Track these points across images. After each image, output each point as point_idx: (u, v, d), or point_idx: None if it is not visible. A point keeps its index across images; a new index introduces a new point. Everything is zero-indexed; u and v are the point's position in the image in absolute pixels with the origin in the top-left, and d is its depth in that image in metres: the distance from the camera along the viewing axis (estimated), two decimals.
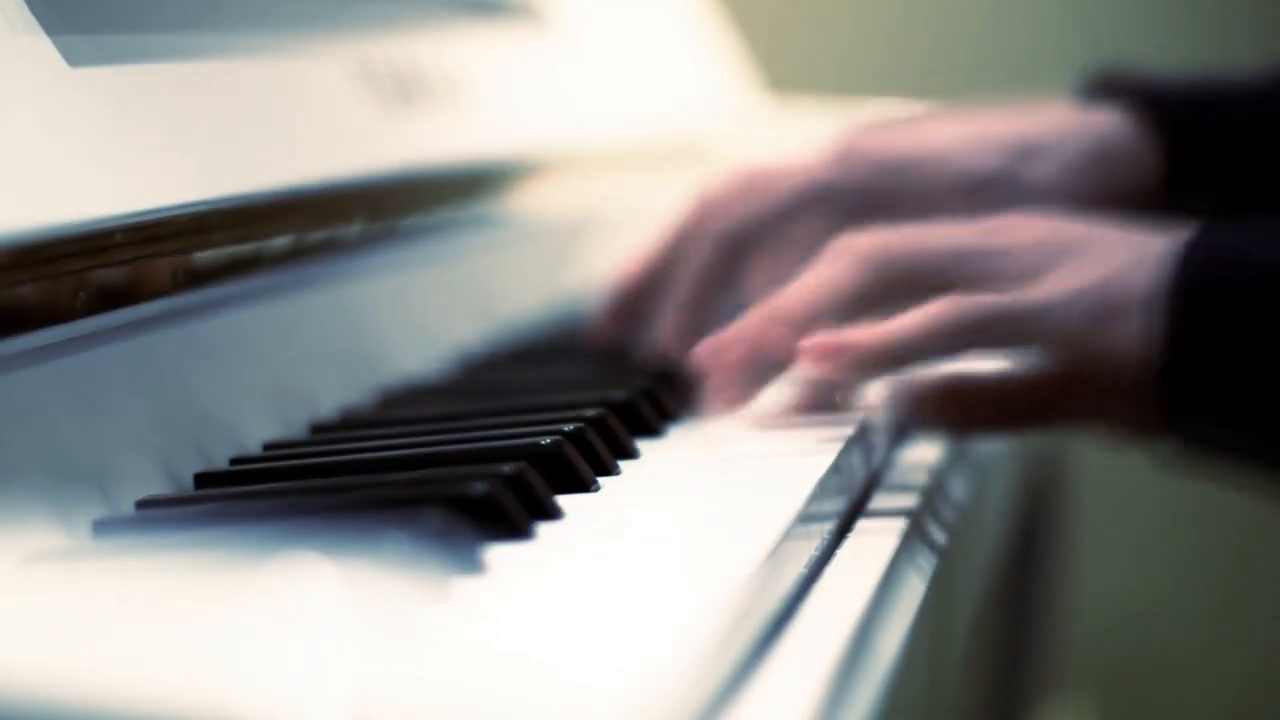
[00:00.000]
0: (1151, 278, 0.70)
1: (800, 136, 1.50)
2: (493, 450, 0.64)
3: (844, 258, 0.72)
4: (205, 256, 0.69)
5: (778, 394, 0.74)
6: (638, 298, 0.83)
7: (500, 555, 0.53)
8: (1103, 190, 0.83)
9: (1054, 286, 0.70)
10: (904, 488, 0.70)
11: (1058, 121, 0.85)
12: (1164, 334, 0.70)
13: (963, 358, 0.71)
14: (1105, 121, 0.85)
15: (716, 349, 0.72)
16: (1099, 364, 0.71)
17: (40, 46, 0.64)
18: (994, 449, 0.88)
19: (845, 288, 0.71)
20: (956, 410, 0.75)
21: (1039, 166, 0.83)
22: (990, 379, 0.76)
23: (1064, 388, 0.74)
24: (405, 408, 0.77)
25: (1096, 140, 0.84)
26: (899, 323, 0.70)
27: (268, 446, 0.70)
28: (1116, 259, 0.71)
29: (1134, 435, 0.76)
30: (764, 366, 0.72)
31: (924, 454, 0.75)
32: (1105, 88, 0.87)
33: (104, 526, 0.58)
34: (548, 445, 0.62)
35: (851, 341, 0.69)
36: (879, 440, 0.73)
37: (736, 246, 0.81)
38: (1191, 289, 0.69)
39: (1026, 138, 0.84)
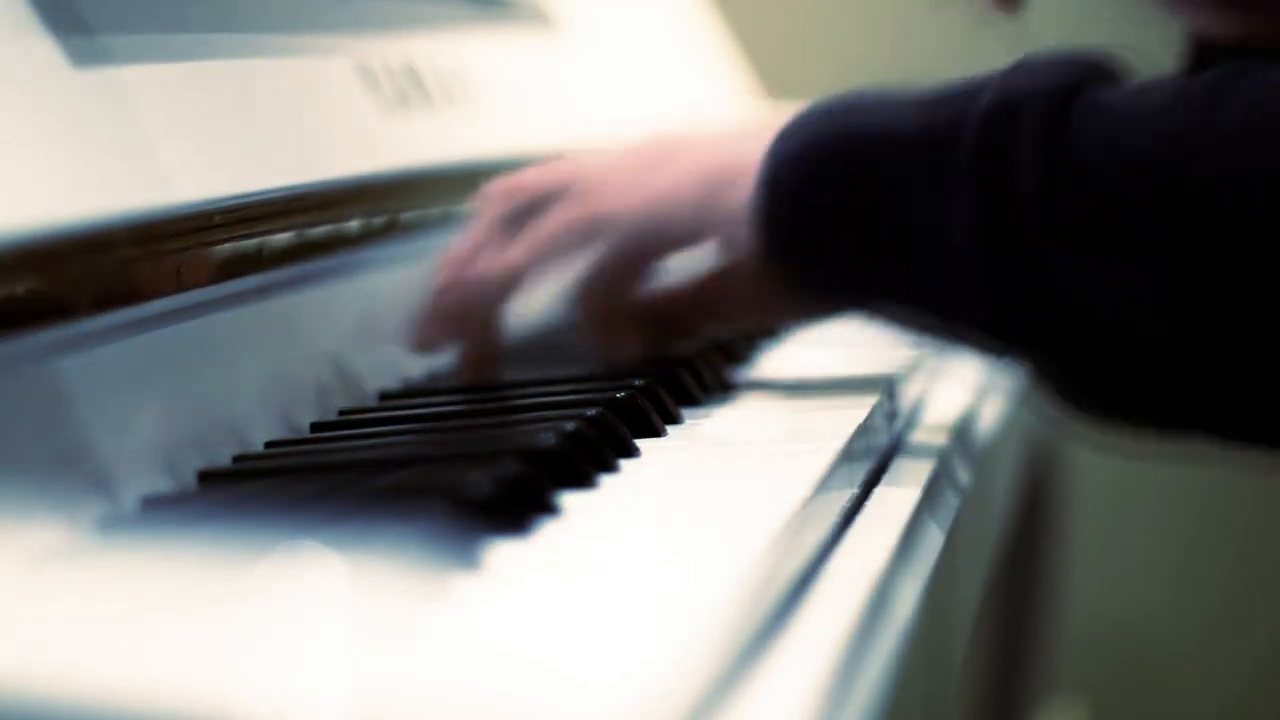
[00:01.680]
0: (754, 149, 0.73)
1: None
2: (493, 448, 0.64)
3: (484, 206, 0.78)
4: (209, 254, 0.69)
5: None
6: None
7: (502, 552, 0.53)
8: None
9: (631, 194, 0.75)
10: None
11: None
12: (757, 202, 0.73)
13: (571, 264, 0.76)
14: None
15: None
16: (718, 240, 0.75)
17: (44, 47, 0.64)
18: (989, 450, 0.89)
19: (483, 228, 0.77)
20: (639, 326, 0.80)
21: None
22: (666, 290, 0.80)
23: (724, 283, 0.79)
24: (406, 406, 0.78)
25: None
26: (508, 249, 0.75)
27: (270, 445, 0.70)
28: (726, 145, 0.74)
29: (792, 319, 0.82)
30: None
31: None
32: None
33: (109, 524, 0.58)
34: (548, 443, 0.62)
35: (470, 273, 0.76)
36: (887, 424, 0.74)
37: None
38: (775, 155, 0.73)
39: None
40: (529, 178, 0.78)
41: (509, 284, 0.77)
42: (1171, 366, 0.68)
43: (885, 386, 0.76)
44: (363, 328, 0.81)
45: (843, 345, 0.88)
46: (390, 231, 0.85)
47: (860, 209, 0.71)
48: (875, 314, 0.74)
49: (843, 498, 0.65)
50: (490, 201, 0.79)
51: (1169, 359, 0.68)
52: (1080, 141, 0.68)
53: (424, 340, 0.79)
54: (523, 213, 0.77)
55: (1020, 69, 0.71)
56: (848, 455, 0.66)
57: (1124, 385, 0.70)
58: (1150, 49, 0.79)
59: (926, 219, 0.70)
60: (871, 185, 0.71)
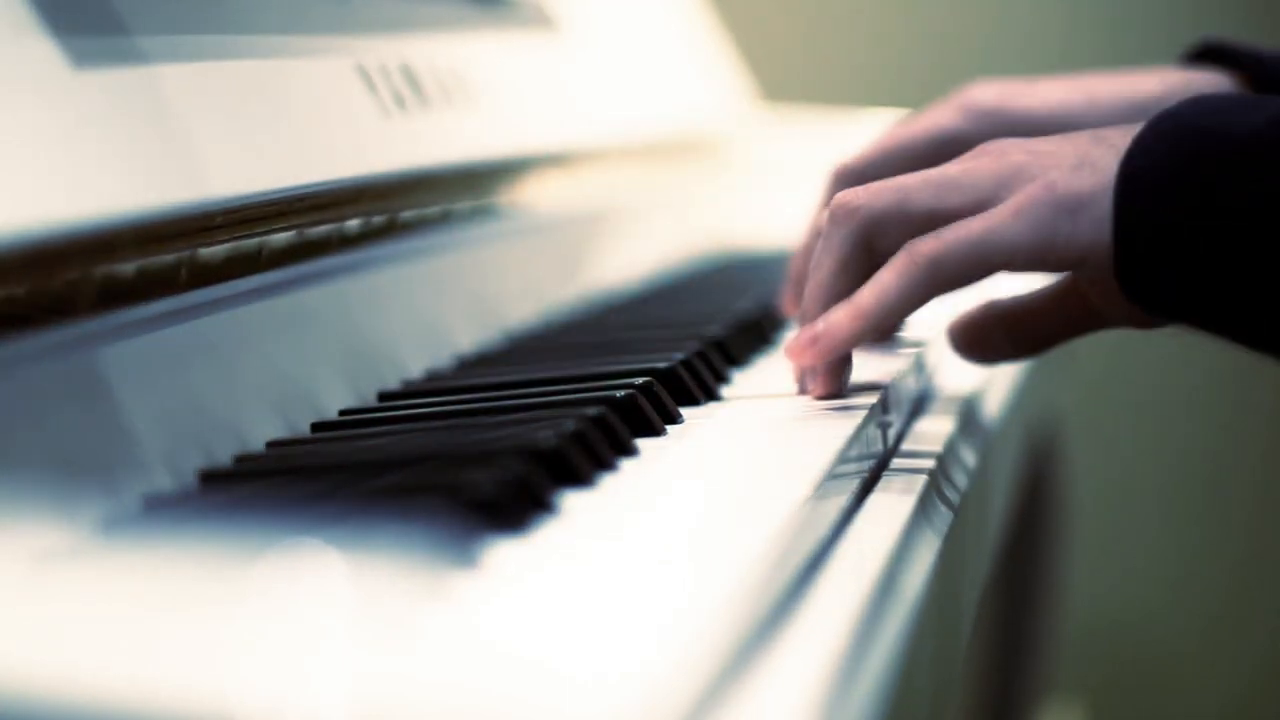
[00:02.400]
0: (1098, 176, 0.72)
1: (798, 140, 1.50)
2: (493, 448, 0.64)
3: (824, 237, 0.75)
4: (208, 255, 0.69)
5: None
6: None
7: (502, 551, 0.54)
8: None
9: (999, 211, 0.73)
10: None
11: (1164, 82, 0.88)
12: (1112, 225, 0.72)
13: (931, 300, 0.74)
14: (1207, 82, 0.87)
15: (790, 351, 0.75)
16: (1068, 266, 0.74)
17: (43, 47, 0.64)
18: (990, 449, 0.89)
19: (834, 264, 0.74)
20: (988, 340, 0.81)
21: None
22: (1007, 304, 0.81)
23: (1064, 298, 0.80)
24: (406, 406, 0.78)
25: None
26: (859, 299, 0.73)
27: (271, 445, 0.70)
28: (1064, 165, 0.73)
29: (1139, 325, 0.80)
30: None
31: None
32: (1205, 55, 0.89)
33: (111, 524, 0.58)
34: (548, 442, 0.62)
35: (820, 330, 0.73)
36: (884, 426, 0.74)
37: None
38: (1130, 178, 0.72)
39: (1137, 97, 0.87)
40: (854, 202, 0.75)
41: (872, 332, 0.74)
42: None
43: (886, 387, 0.76)
44: (363, 327, 0.81)
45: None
46: (390, 231, 0.85)
47: (1224, 222, 0.71)
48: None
49: (842, 500, 0.65)
50: (825, 240, 0.75)
51: None
52: None
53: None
54: (869, 240, 0.75)
55: None
56: (847, 456, 0.66)
57: None
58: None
59: None
60: (1235, 188, 0.71)
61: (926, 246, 0.72)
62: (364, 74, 0.86)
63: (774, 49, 1.92)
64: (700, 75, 1.50)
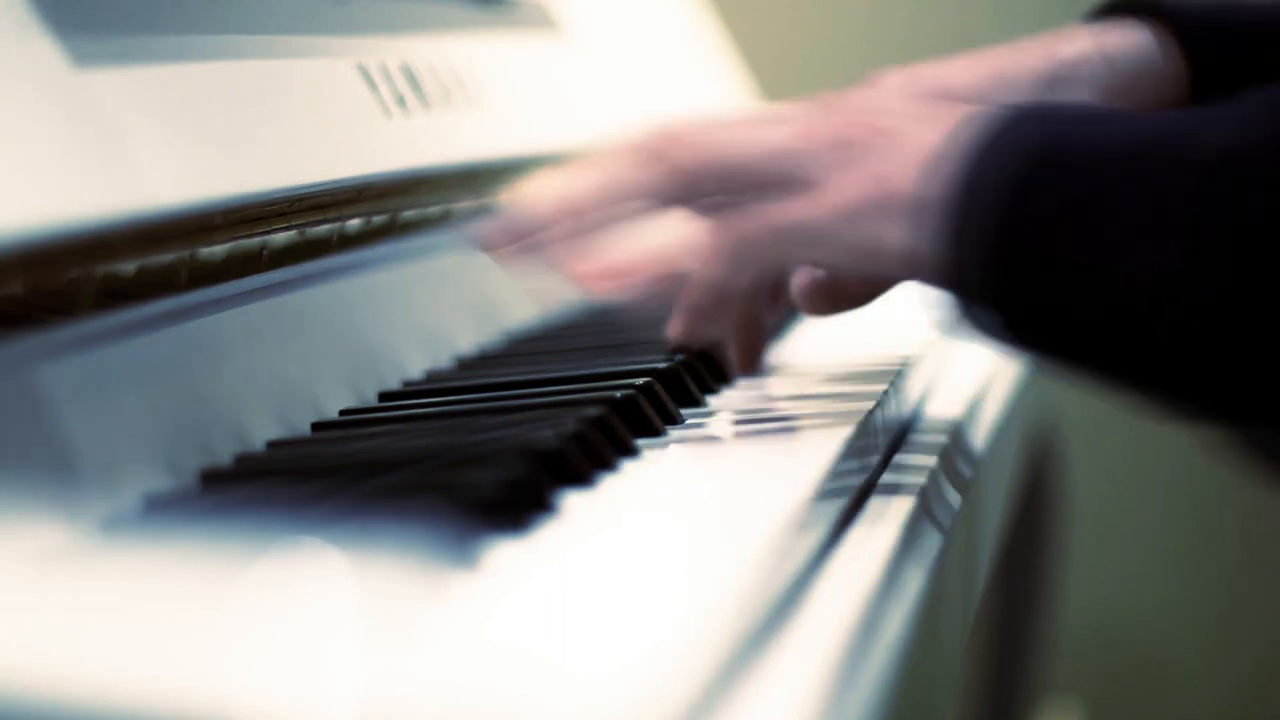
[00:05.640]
0: (922, 182, 0.67)
1: None
2: (493, 448, 0.64)
3: (645, 157, 0.71)
4: (209, 254, 0.69)
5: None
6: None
7: (502, 551, 0.54)
8: (1134, 109, 0.81)
9: (827, 198, 0.69)
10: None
11: (1078, 49, 0.83)
12: (931, 239, 0.67)
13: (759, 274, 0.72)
14: (1126, 40, 0.83)
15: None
16: (886, 267, 0.69)
17: (44, 47, 0.64)
18: (985, 455, 0.89)
19: (640, 188, 0.71)
20: (828, 297, 0.78)
21: (1066, 97, 0.82)
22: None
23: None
24: (406, 406, 0.78)
25: (1122, 62, 0.82)
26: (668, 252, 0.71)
27: (271, 444, 0.70)
28: (895, 159, 0.69)
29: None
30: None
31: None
32: (1120, 8, 0.85)
33: (111, 524, 0.58)
34: (548, 442, 0.63)
35: (624, 266, 0.72)
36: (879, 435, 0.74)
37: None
38: (967, 214, 0.66)
39: (1050, 70, 0.82)
40: (700, 152, 0.71)
41: (714, 298, 0.72)
42: None
43: (886, 387, 0.77)
44: (363, 327, 0.81)
45: (845, 344, 0.89)
46: (391, 231, 0.85)
47: (1072, 266, 0.66)
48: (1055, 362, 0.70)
49: (840, 501, 0.65)
50: (650, 165, 0.71)
51: None
52: None
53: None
54: (696, 191, 0.71)
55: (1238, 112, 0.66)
56: (846, 457, 0.66)
57: None
58: None
59: (1154, 286, 0.64)
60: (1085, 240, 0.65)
61: (752, 229, 0.70)
62: (365, 74, 0.86)
63: (774, 48, 1.92)
64: (701, 74, 1.50)
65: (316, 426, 0.73)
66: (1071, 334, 0.66)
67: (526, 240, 0.71)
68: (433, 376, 0.84)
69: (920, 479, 0.72)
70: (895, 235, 0.68)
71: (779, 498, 0.59)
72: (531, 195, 0.71)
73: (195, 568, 0.48)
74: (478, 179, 0.97)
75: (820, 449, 0.66)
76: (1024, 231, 0.66)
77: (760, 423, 0.74)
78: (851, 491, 0.68)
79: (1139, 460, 2.04)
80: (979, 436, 0.87)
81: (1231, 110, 0.66)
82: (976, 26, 2.02)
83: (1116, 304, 0.64)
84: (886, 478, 0.72)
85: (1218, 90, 0.81)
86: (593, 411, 0.68)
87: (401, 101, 0.89)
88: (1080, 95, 0.82)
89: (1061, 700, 1.92)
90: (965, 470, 0.79)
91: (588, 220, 0.71)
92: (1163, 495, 2.02)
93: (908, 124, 0.69)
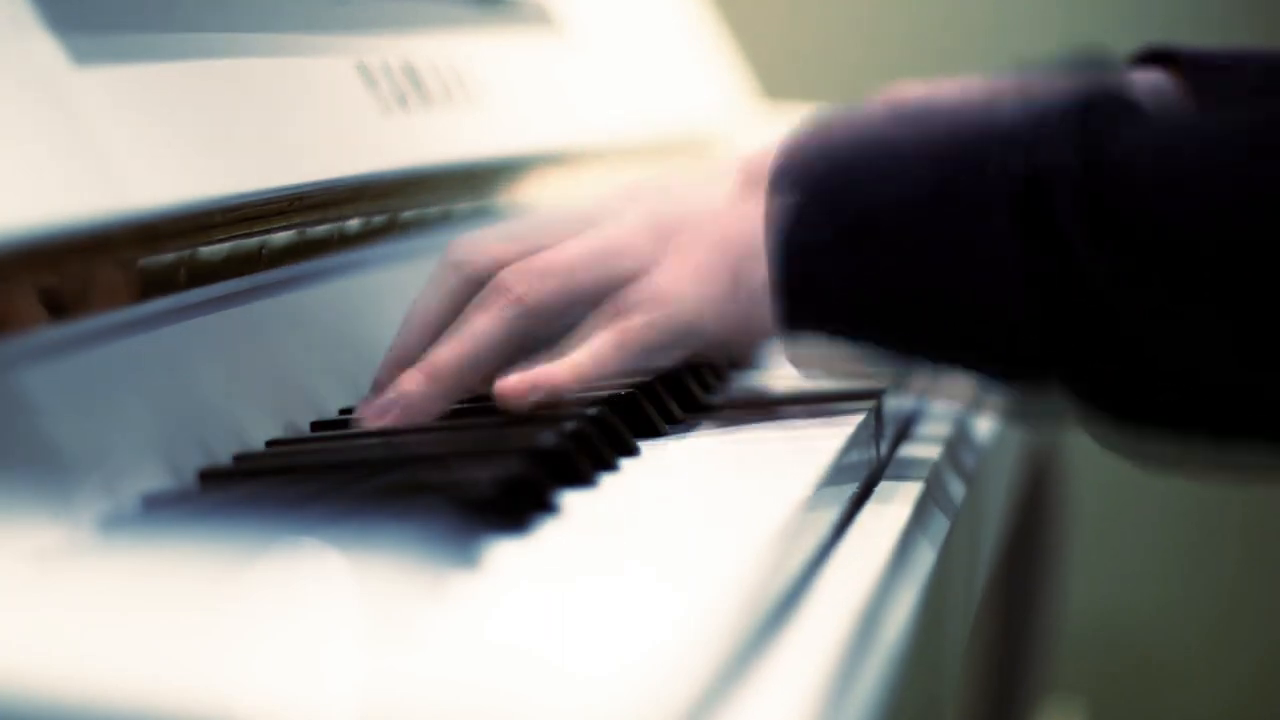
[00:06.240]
0: (763, 267, 0.71)
1: None
2: (493, 448, 0.64)
3: (491, 308, 0.73)
4: (209, 253, 0.69)
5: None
6: None
7: (502, 550, 0.54)
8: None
9: (684, 293, 0.72)
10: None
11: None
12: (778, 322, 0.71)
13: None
14: (1144, 79, 0.86)
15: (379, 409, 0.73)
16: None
17: (44, 45, 0.64)
18: (988, 453, 0.89)
19: (496, 338, 0.73)
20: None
21: None
22: None
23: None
24: None
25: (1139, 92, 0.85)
26: (577, 362, 0.71)
27: (270, 444, 0.70)
28: (720, 248, 0.72)
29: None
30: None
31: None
32: (1143, 59, 0.88)
33: (111, 524, 0.58)
34: (548, 442, 0.62)
35: (543, 380, 0.71)
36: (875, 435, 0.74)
37: None
38: (786, 237, 0.70)
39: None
40: (536, 289, 0.73)
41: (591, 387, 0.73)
42: (1235, 408, 0.68)
43: (887, 388, 0.76)
44: (363, 327, 0.81)
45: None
46: (390, 230, 0.85)
47: (886, 290, 0.70)
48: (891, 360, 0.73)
49: (841, 499, 0.65)
50: (495, 314, 0.73)
51: (1237, 403, 0.68)
52: (1130, 220, 0.67)
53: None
54: (544, 322, 0.73)
55: (1031, 119, 0.69)
56: (846, 457, 0.66)
57: (1183, 418, 0.69)
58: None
59: (969, 298, 0.68)
60: (897, 261, 0.69)
61: (631, 335, 0.72)
62: (365, 73, 0.86)
63: (774, 47, 1.92)
64: (701, 73, 1.50)
65: (316, 426, 0.73)
66: (876, 316, 0.70)
67: (402, 414, 0.73)
68: None
69: (918, 482, 0.72)
70: (752, 319, 0.71)
71: (780, 497, 0.58)
72: (400, 377, 0.73)
73: (194, 568, 0.48)
74: (477, 178, 0.97)
75: (823, 445, 0.66)
76: (845, 272, 0.69)
77: (760, 422, 0.74)
78: (855, 485, 0.68)
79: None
80: (981, 434, 0.87)
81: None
82: (976, 27, 2.02)
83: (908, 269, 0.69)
84: (881, 485, 0.72)
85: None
86: (593, 411, 0.68)
87: (401, 100, 0.89)
88: None
89: (1062, 700, 1.92)
90: (969, 461, 0.79)
91: (456, 388, 0.73)
92: (1163, 495, 2.02)
93: (693, 210, 0.73)
